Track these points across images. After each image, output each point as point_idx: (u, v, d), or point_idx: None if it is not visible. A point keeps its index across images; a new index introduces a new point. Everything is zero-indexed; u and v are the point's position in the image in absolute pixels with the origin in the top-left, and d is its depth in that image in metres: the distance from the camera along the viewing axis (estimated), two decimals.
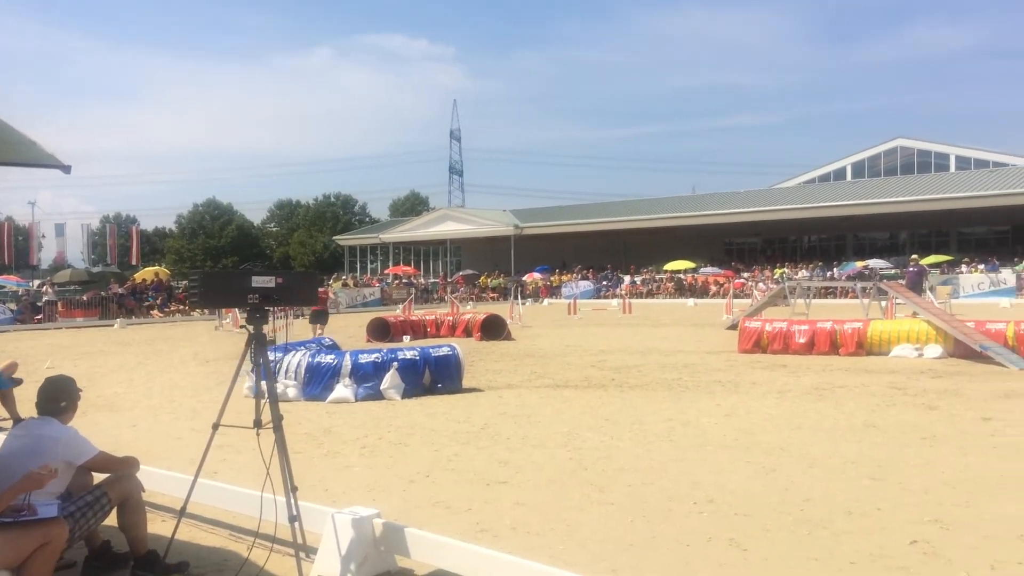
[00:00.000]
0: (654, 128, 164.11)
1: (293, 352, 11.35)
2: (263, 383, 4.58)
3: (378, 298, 43.68)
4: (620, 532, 5.18)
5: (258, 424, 4.54)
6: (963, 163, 51.83)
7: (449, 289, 48.84)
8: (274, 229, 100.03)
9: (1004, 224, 46.66)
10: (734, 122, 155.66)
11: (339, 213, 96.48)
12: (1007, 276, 37.61)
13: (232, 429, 4.91)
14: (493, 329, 20.44)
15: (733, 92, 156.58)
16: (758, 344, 15.94)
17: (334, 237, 75.61)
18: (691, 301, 41.39)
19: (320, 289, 28.40)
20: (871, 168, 55.44)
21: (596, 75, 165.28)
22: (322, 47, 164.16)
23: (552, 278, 52.86)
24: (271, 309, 4.61)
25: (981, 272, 39.11)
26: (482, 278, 54.50)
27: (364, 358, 11.12)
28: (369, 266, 71.07)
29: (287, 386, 10.89)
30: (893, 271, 37.37)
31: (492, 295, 49.54)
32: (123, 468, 4.62)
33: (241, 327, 20.33)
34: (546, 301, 46.67)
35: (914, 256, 28.60)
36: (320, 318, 19.99)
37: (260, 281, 4.34)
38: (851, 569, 4.46)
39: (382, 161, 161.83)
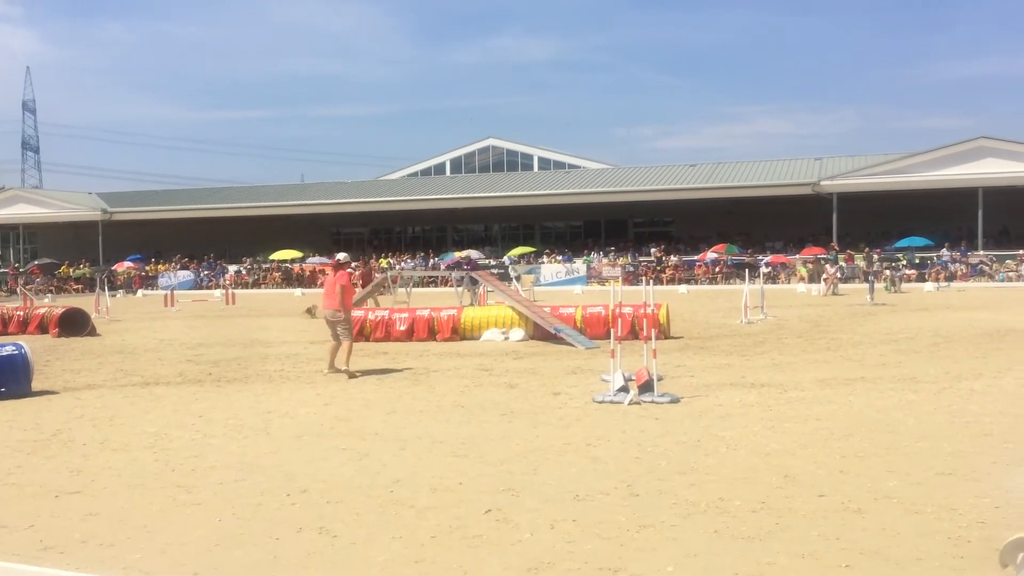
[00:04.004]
0: (260, 113, 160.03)
1: None
2: None
3: None
4: (206, 532, 4.95)
5: None
6: (545, 164, 57.58)
7: (22, 280, 43.16)
8: None
9: (578, 220, 52.69)
10: (341, 112, 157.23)
11: None
12: (579, 266, 42.60)
13: None
14: (74, 324, 18.47)
15: (339, 81, 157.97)
16: (361, 333, 16.21)
17: None
18: (299, 291, 41.05)
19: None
20: (467, 164, 59.30)
21: (195, 53, 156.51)
22: None
23: (147, 267, 49.16)
24: None
25: (559, 262, 43.84)
26: (63, 268, 48.97)
27: None
28: None
29: None
30: (486, 261, 40.55)
31: (76, 287, 44.78)
32: None
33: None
34: (140, 292, 43.35)
35: (467, 252, 34.65)
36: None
37: None
38: (432, 543, 4.71)
39: None
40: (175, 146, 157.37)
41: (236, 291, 37.25)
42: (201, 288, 45.06)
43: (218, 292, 39.15)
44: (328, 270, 12.86)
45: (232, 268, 48.59)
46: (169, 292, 32.00)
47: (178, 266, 49.37)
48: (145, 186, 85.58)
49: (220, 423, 8.29)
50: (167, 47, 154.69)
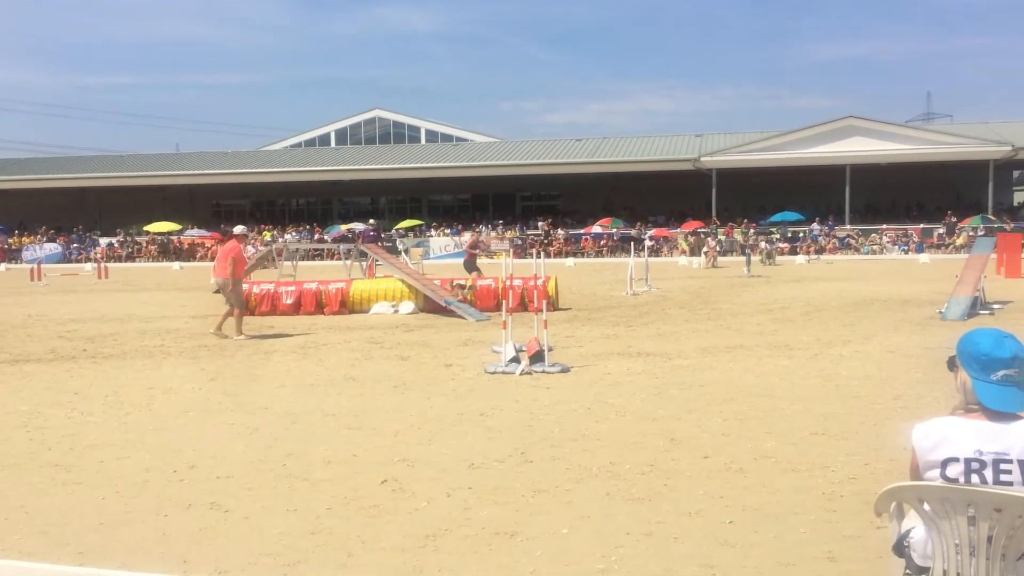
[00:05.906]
0: (129, 79, 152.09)
1: None
2: None
3: None
4: (88, 512, 4.77)
5: None
6: (432, 137, 57.19)
7: None
8: None
9: (466, 193, 52.63)
10: (217, 80, 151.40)
11: None
12: (466, 239, 42.62)
13: None
14: None
15: (214, 48, 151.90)
16: (246, 307, 15.81)
17: None
18: (177, 264, 39.57)
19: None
20: (353, 136, 58.25)
21: (58, 14, 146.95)
22: None
23: (10, 240, 46.37)
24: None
25: (447, 235, 43.74)
26: None
27: None
28: None
29: None
30: (373, 234, 40.09)
31: None
32: None
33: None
34: (3, 266, 40.88)
35: (372, 220, 34.71)
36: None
37: None
38: (327, 514, 4.68)
39: None
40: (39, 112, 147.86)
41: (109, 265, 35.56)
42: (70, 262, 42.91)
43: (89, 266, 37.36)
44: (215, 241, 13.47)
45: (104, 241, 46.38)
46: (35, 266, 30.29)
47: (44, 239, 46.79)
48: (7, 154, 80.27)
49: (98, 400, 7.95)
50: (27, 7, 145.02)
